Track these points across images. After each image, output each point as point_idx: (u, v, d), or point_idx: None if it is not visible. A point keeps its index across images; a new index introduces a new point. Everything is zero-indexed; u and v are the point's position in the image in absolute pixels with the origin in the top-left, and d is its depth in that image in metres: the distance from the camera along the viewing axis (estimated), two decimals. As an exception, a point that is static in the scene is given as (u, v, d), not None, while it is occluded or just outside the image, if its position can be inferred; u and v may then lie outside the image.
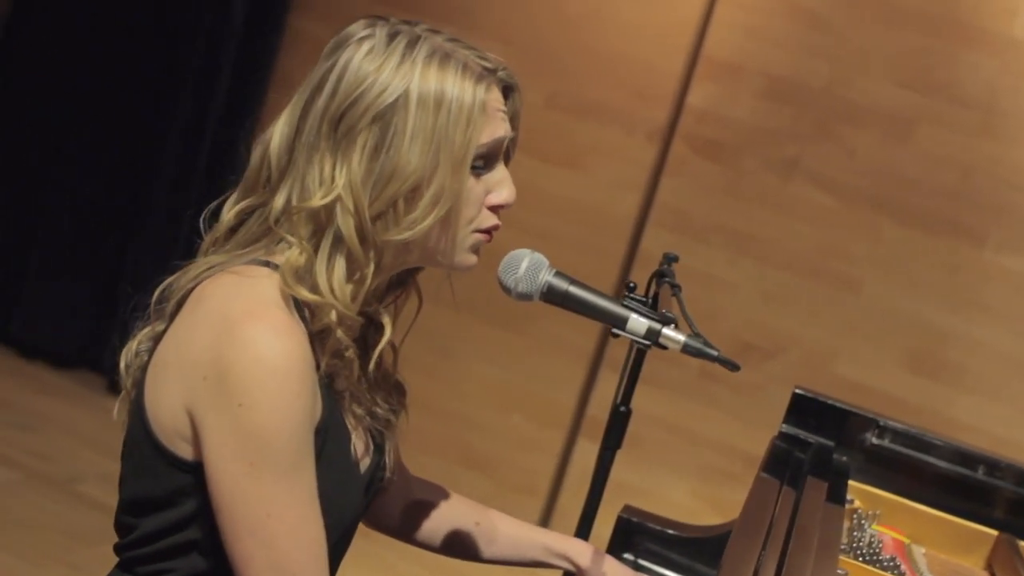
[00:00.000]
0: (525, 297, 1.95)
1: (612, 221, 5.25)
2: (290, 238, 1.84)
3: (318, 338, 1.83)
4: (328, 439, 1.85)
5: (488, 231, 1.93)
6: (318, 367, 1.82)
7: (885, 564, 2.43)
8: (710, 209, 5.15)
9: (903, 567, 2.46)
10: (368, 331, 1.98)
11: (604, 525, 2.67)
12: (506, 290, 1.96)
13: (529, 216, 5.30)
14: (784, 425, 2.79)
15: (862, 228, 5.00)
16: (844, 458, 2.74)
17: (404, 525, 2.31)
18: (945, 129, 4.91)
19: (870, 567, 2.36)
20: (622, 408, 2.89)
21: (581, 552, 2.30)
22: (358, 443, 1.96)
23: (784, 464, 2.61)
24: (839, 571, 2.23)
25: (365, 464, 1.99)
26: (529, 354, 5.40)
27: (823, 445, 2.74)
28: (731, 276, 5.14)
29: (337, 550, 1.94)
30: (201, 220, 1.95)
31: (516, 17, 5.36)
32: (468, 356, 5.47)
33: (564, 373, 5.34)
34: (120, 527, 1.93)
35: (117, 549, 1.93)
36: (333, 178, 1.82)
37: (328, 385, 1.86)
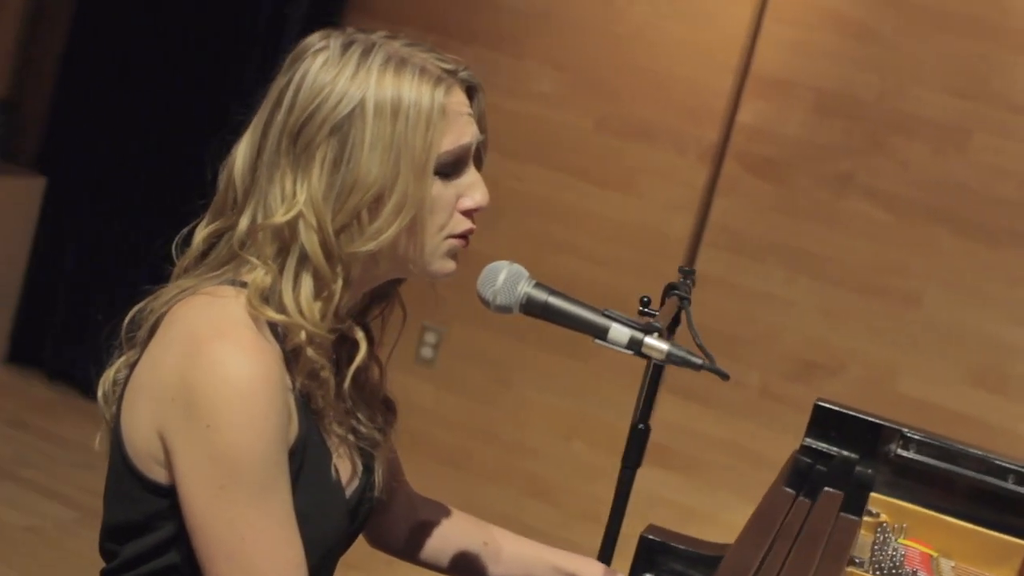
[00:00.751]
0: (504, 310, 1.92)
1: (666, 243, 5.20)
2: (254, 260, 1.81)
3: (292, 357, 1.81)
4: (306, 460, 1.82)
5: (463, 236, 1.90)
6: (293, 386, 1.80)
7: (904, 576, 2.36)
8: (764, 227, 5.09)
9: (924, 580, 2.38)
10: (345, 348, 1.95)
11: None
12: (485, 303, 1.93)
13: (583, 240, 5.27)
14: (806, 438, 2.73)
15: (920, 241, 4.91)
16: (869, 470, 2.66)
17: (409, 545, 2.26)
18: (1001, 137, 4.82)
19: (888, 580, 2.29)
20: (640, 426, 2.84)
21: (592, 572, 2.27)
22: (342, 464, 1.93)
23: (803, 476, 2.55)
24: (849, 584, 2.18)
25: (352, 486, 1.96)
26: (587, 380, 5.35)
27: (846, 458, 2.67)
28: (788, 294, 5.07)
29: (320, 573, 1.92)
30: (173, 247, 1.93)
31: (565, 42, 5.34)
32: (527, 384, 5.44)
33: (622, 397, 5.27)
34: (104, 553, 1.92)
35: (103, 575, 1.92)
36: (294, 194, 1.79)
37: (305, 404, 1.83)
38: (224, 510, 1.71)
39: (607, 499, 5.64)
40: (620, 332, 1.91)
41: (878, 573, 2.34)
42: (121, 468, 1.82)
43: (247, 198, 1.84)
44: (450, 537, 2.27)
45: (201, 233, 1.89)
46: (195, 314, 1.77)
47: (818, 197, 5.02)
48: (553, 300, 1.91)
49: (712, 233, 5.17)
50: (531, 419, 5.44)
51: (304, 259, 1.80)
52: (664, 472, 5.13)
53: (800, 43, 5.01)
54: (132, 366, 1.85)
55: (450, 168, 1.85)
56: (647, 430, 2.84)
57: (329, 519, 1.89)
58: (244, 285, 1.80)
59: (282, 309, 1.79)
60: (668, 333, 1.92)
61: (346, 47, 1.82)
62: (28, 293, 5.92)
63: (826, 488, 2.46)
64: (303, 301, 1.80)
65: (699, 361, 1.88)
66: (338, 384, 1.91)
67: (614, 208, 5.27)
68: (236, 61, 5.50)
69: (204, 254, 1.89)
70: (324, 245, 1.79)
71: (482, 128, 1.93)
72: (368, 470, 2.00)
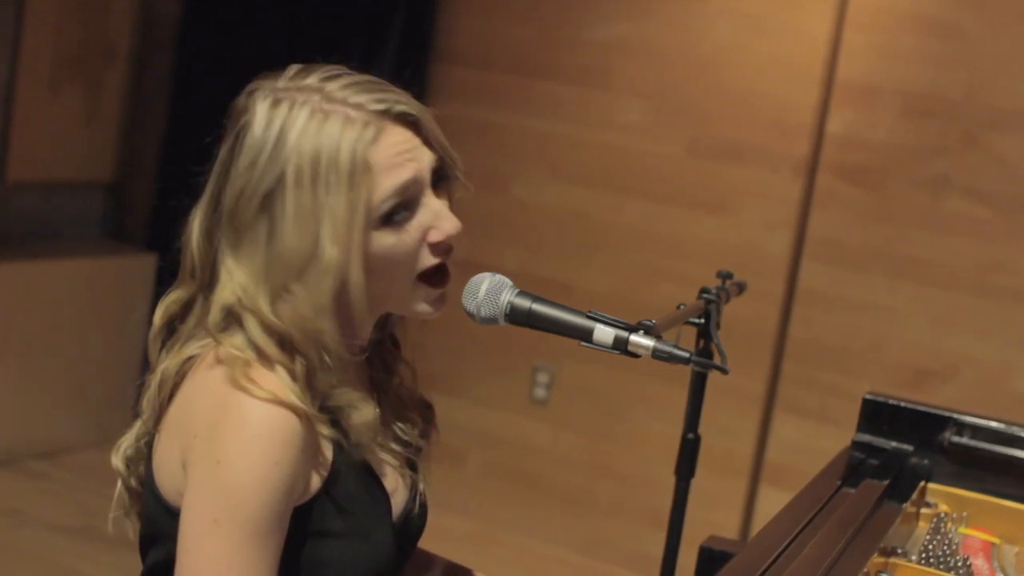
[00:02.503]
0: (490, 321, 1.92)
1: (767, 261, 5.14)
2: (221, 347, 1.80)
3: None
4: (346, 485, 1.82)
5: (431, 273, 1.87)
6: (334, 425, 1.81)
7: (952, 565, 2.29)
8: (864, 236, 5.01)
9: (975, 567, 2.32)
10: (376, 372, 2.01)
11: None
12: (470, 316, 1.93)
13: (682, 266, 5.24)
14: (857, 433, 2.67)
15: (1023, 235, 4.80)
16: (925, 461, 2.60)
17: None
18: (1097, 123, 4.70)
19: (930, 569, 2.23)
20: (689, 436, 2.82)
21: None
22: (389, 481, 1.93)
23: (850, 469, 2.50)
24: (882, 573, 2.12)
25: (399, 501, 1.96)
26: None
27: (899, 450, 2.61)
28: (894, 302, 4.98)
29: None
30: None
31: (650, 69, 5.33)
32: (641, 416, 5.40)
33: (738, 420, 5.23)
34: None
35: None
36: (231, 276, 1.80)
37: (351, 445, 1.84)
38: (212, 544, 1.71)
39: (730, 524, 5.58)
40: (605, 332, 1.89)
41: (925, 562, 2.28)
42: (153, 509, 1.84)
43: (204, 270, 1.85)
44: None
45: (162, 304, 1.90)
46: (223, 370, 1.77)
47: (916, 201, 4.93)
48: (537, 307, 1.90)
49: (812, 247, 5.10)
50: (647, 451, 5.40)
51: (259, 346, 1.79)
52: (782, 492, 5.05)
53: (882, 48, 4.94)
54: (158, 420, 1.86)
55: (399, 212, 1.81)
56: (697, 439, 2.83)
57: (378, 538, 1.88)
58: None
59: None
60: (658, 330, 1.88)
61: (274, 106, 1.81)
62: (147, 368, 6.02)
63: (870, 479, 2.42)
64: (274, 384, 1.76)
65: (686, 354, 1.85)
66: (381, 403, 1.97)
67: (711, 231, 5.23)
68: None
69: (182, 319, 1.90)
70: (266, 328, 1.78)
71: (435, 149, 1.87)
72: (414, 490, 2.00)
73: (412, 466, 2.01)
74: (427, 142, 1.86)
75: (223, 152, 1.85)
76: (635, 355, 1.89)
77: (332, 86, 1.81)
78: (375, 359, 2.03)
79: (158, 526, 1.85)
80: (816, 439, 5.04)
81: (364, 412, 1.87)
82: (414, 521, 2.01)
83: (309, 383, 1.79)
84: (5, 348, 5.45)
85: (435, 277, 1.88)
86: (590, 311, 1.92)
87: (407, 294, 1.87)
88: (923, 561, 2.28)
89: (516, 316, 1.90)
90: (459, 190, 1.95)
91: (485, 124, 5.63)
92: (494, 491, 5.71)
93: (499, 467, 5.73)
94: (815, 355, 5.12)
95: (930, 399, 4.80)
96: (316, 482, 1.79)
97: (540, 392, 5.61)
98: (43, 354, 5.57)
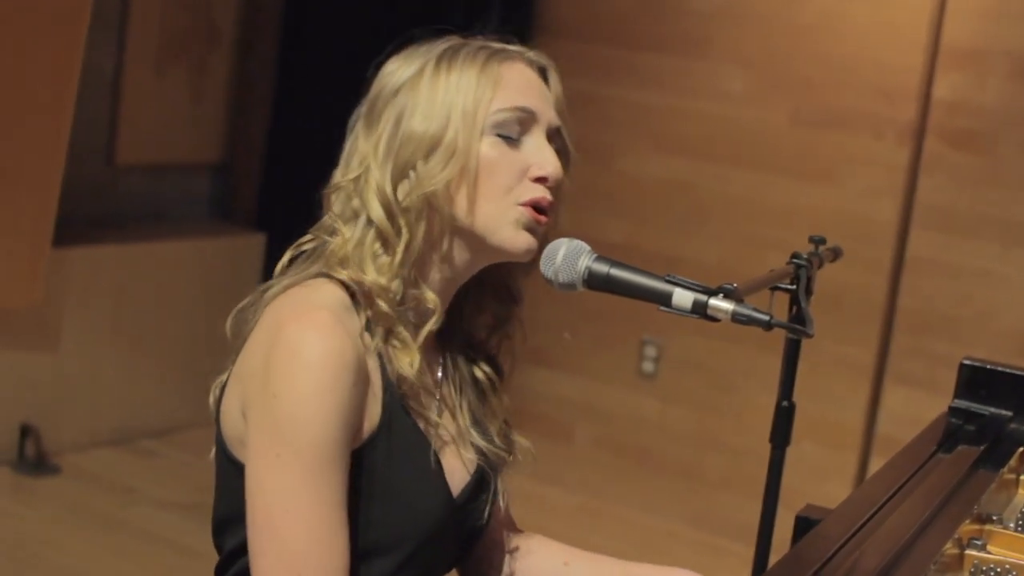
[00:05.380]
0: (568, 287, 1.90)
1: (874, 229, 5.07)
2: (326, 230, 1.91)
3: (373, 323, 1.85)
4: (393, 441, 1.84)
5: (535, 205, 1.90)
6: (382, 368, 1.83)
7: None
8: (974, 202, 4.92)
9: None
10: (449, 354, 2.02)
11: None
12: (548, 282, 1.92)
13: (789, 236, 5.16)
14: (955, 399, 2.61)
15: None
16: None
17: (497, 571, 2.18)
18: None
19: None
20: (784, 403, 2.79)
21: None
22: (447, 460, 1.93)
23: (947, 434, 2.45)
24: (975, 540, 2.08)
25: (461, 484, 1.95)
26: (810, 377, 5.20)
27: (997, 416, 2.55)
28: (1005, 269, 4.88)
29: (416, 563, 1.88)
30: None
31: (751, 38, 5.27)
32: (749, 389, 5.36)
33: (848, 392, 5.16)
34: (217, 550, 1.95)
35: (216, 571, 1.96)
36: (363, 157, 1.90)
37: (395, 393, 1.85)
38: (275, 479, 1.73)
39: (842, 497, 5.48)
40: (684, 296, 1.86)
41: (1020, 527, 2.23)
42: (222, 459, 1.88)
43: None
44: (531, 563, 2.18)
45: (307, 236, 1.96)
46: (281, 303, 1.84)
47: (1025, 165, 4.84)
48: (615, 271, 1.88)
49: (920, 214, 5.02)
50: (756, 423, 5.34)
51: (369, 219, 1.87)
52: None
53: (989, 9, 4.84)
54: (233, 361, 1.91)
55: (510, 130, 1.89)
56: (791, 407, 2.79)
57: (425, 506, 1.88)
58: (325, 275, 1.86)
59: (352, 268, 1.86)
60: (739, 294, 1.85)
61: (418, 45, 1.95)
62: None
63: (966, 445, 2.37)
64: (367, 259, 1.86)
65: (766, 318, 1.82)
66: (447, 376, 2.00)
67: (817, 200, 5.17)
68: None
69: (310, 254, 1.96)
70: (382, 200, 1.86)
71: (560, 114, 1.96)
72: (483, 478, 1.99)
73: (484, 468, 2.00)
74: (555, 103, 1.96)
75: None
76: (715, 319, 1.86)
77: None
78: (457, 342, 2.04)
79: (224, 477, 1.88)
80: (927, 410, 4.91)
81: (408, 357, 1.87)
82: (475, 509, 1.99)
83: (406, 273, 1.87)
84: (116, 329, 5.53)
85: (536, 208, 1.91)
86: (668, 275, 1.89)
87: (498, 213, 1.89)
88: (1020, 528, 2.23)
89: (594, 281, 1.88)
90: (568, 165, 1.99)
91: (587, 96, 5.60)
92: (603, 465, 5.70)
93: (607, 441, 5.72)
94: (925, 324, 5.04)
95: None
96: (369, 422, 1.81)
97: (648, 366, 5.59)
98: (153, 335, 5.65)
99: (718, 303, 1.85)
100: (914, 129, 4.99)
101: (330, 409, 1.73)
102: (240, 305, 1.93)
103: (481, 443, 2.00)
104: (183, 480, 5.27)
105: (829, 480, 5.17)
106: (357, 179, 1.89)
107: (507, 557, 2.17)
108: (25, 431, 5.23)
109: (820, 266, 2.73)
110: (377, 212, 1.86)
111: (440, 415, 1.95)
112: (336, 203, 1.91)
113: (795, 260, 2.54)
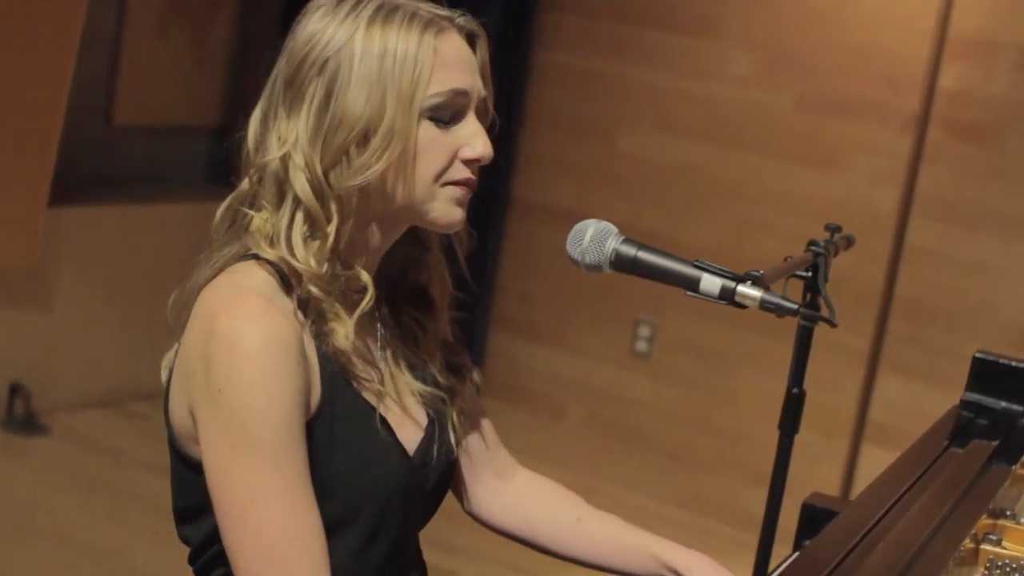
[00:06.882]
0: (594, 268, 1.89)
1: (874, 218, 5.06)
2: (251, 212, 1.83)
3: (305, 305, 1.81)
4: (336, 417, 1.81)
5: (463, 184, 1.87)
6: (316, 346, 1.80)
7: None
8: (976, 194, 4.92)
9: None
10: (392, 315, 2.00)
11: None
12: (575, 263, 1.90)
13: (788, 221, 5.17)
14: (966, 392, 2.61)
15: None
16: (1037, 421, 2.54)
17: (497, 513, 2.18)
18: None
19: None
20: (794, 390, 2.78)
21: (696, 568, 2.07)
22: (395, 418, 1.91)
23: (958, 428, 2.44)
24: (991, 535, 2.08)
25: (415, 441, 1.93)
26: (804, 363, 5.24)
27: (1009, 410, 2.55)
28: (1005, 262, 4.88)
29: (383, 528, 1.87)
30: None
31: (758, 20, 5.25)
32: (743, 371, 5.36)
33: (841, 378, 5.16)
34: (184, 542, 1.95)
35: (189, 562, 1.94)
36: (286, 136, 1.81)
37: (330, 364, 1.82)
38: (236, 472, 1.71)
39: (832, 482, 5.51)
40: (711, 282, 1.85)
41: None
42: (172, 453, 1.86)
43: (256, 155, 1.87)
44: (540, 509, 2.17)
45: (222, 206, 1.91)
46: (212, 294, 1.79)
47: (1029, 158, 4.83)
48: (643, 254, 1.86)
49: (921, 204, 5.02)
50: (749, 406, 5.36)
51: (298, 201, 1.81)
52: (885, 452, 4.98)
53: (997, 1, 4.83)
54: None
55: (444, 113, 1.83)
56: (802, 394, 2.79)
57: (380, 473, 1.86)
58: (254, 256, 1.82)
59: (282, 249, 1.80)
60: (765, 281, 1.84)
61: (336, 5, 1.85)
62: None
63: (978, 439, 2.36)
64: (296, 241, 1.80)
65: (794, 306, 1.80)
66: (393, 338, 1.97)
67: (818, 186, 5.16)
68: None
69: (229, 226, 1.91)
70: (313, 184, 1.79)
71: (485, 79, 1.89)
72: (435, 425, 1.97)
73: (435, 415, 1.98)
74: (480, 70, 1.89)
75: (285, 45, 1.88)
76: (742, 306, 1.85)
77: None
78: (400, 302, 2.02)
79: (176, 470, 1.86)
80: (921, 399, 4.96)
81: (343, 329, 1.83)
82: (433, 462, 1.97)
83: (336, 255, 1.82)
84: (110, 291, 5.51)
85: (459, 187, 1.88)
86: (696, 260, 1.88)
87: (429, 194, 1.85)
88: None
89: (621, 264, 1.87)
90: (492, 130, 1.94)
91: (591, 74, 5.58)
92: (594, 444, 5.70)
93: (599, 420, 5.71)
94: (922, 314, 5.04)
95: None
96: (313, 398, 1.78)
97: (641, 345, 5.58)
98: (147, 297, 5.60)
99: (746, 290, 1.83)
100: (918, 118, 4.98)
101: (278, 394, 1.71)
102: (175, 292, 1.90)
103: (422, 388, 1.97)
104: (172, 444, 5.24)
105: (820, 466, 5.18)
106: (284, 157, 1.81)
107: (505, 498, 2.16)
108: (15, 389, 5.22)
109: (836, 254, 2.72)
110: (307, 195, 1.79)
111: (382, 381, 1.92)
112: (260, 175, 1.84)
113: (813, 248, 2.53)
